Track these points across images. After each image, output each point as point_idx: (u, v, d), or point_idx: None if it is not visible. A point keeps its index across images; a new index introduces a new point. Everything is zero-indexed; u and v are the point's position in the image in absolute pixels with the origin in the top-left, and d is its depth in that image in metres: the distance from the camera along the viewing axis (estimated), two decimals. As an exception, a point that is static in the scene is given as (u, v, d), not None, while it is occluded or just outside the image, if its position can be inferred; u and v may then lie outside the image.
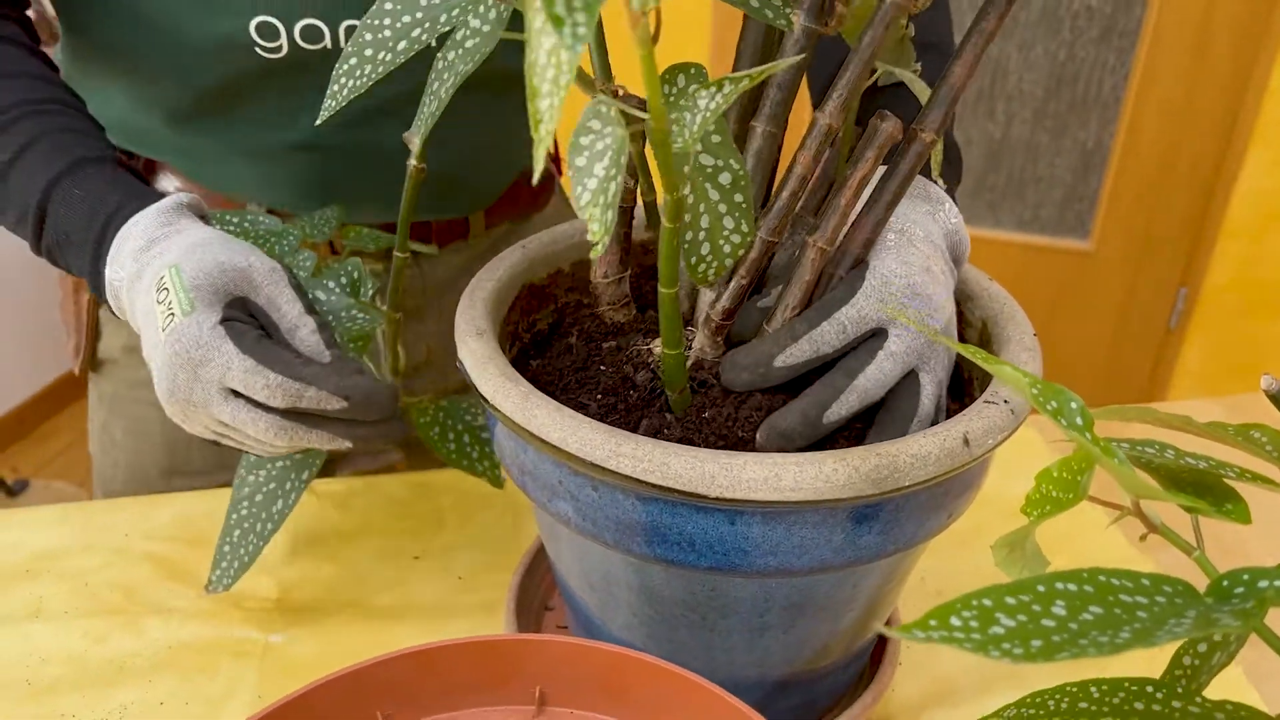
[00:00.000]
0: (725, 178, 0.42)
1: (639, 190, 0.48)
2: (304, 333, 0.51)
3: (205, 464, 0.78)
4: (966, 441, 0.41)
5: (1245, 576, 0.31)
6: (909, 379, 0.45)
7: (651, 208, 0.49)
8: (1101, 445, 0.32)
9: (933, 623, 0.26)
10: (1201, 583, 0.31)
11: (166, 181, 0.71)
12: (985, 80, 1.84)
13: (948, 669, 0.59)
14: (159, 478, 0.79)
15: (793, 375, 0.45)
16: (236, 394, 0.48)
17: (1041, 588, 0.29)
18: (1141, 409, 0.40)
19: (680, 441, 0.42)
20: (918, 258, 0.45)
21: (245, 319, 0.50)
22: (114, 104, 0.68)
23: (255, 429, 0.48)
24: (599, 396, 0.47)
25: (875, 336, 0.44)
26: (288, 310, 0.51)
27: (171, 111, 0.67)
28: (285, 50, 0.63)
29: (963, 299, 0.54)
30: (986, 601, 0.28)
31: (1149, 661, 0.59)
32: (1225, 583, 0.31)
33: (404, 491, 0.72)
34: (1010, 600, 0.28)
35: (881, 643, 0.57)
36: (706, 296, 0.48)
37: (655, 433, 0.45)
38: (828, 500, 0.40)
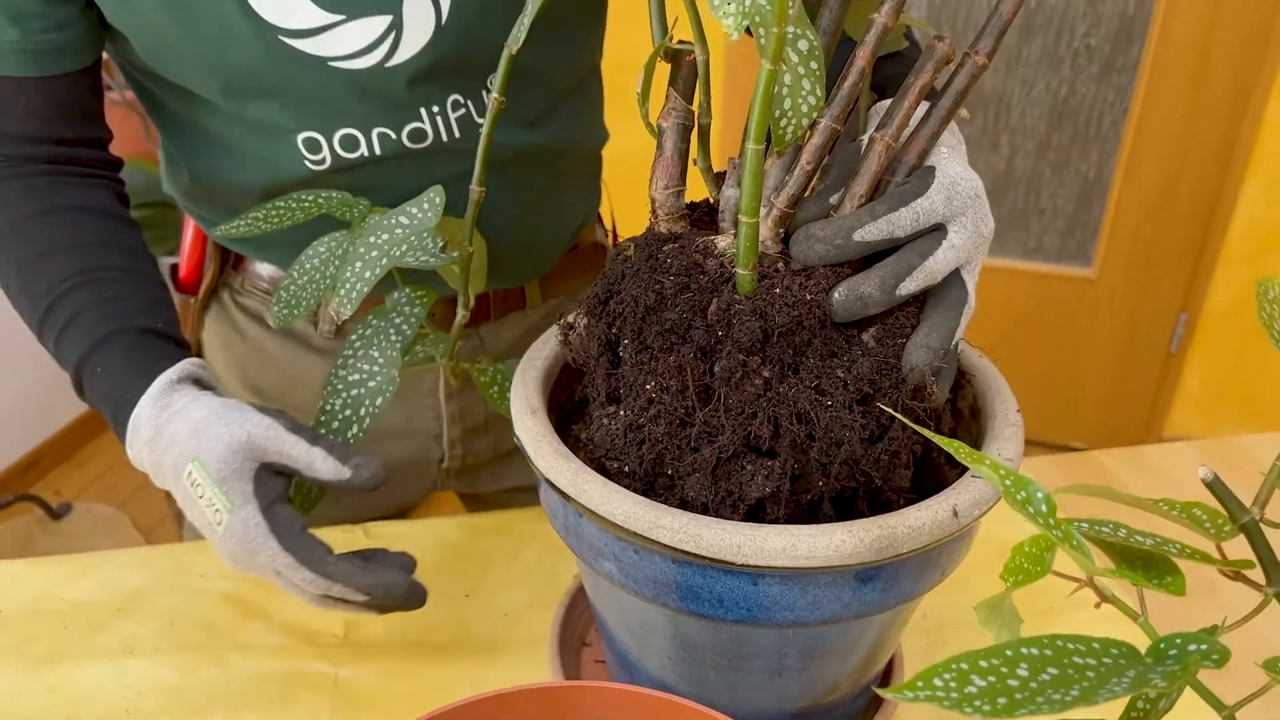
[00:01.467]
0: (803, 45, 0.46)
1: (698, 113, 0.52)
2: (319, 464, 0.58)
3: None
4: (955, 514, 0.48)
5: (1178, 640, 0.38)
6: (955, 274, 0.50)
7: (705, 132, 0.53)
8: (1063, 530, 0.39)
9: (919, 684, 0.33)
10: (1145, 644, 0.38)
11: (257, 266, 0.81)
12: (990, 115, 1.91)
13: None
14: None
15: (866, 252, 0.48)
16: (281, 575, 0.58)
17: (1009, 652, 0.36)
18: (1103, 489, 0.46)
19: (752, 314, 0.46)
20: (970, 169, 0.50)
21: (278, 486, 0.58)
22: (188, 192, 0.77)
23: (303, 598, 0.59)
24: (670, 278, 0.49)
25: (937, 230, 0.48)
26: (299, 455, 0.58)
27: (234, 211, 0.74)
28: (328, 161, 0.70)
29: (959, 373, 0.61)
30: (964, 665, 0.35)
31: (1110, 708, 0.66)
32: (1162, 645, 0.38)
33: (455, 534, 0.79)
34: (983, 664, 0.35)
35: (887, 675, 0.64)
36: (770, 185, 0.51)
37: (726, 308, 0.47)
38: (836, 566, 0.47)
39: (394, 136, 0.70)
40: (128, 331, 0.63)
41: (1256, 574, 0.41)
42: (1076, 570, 0.43)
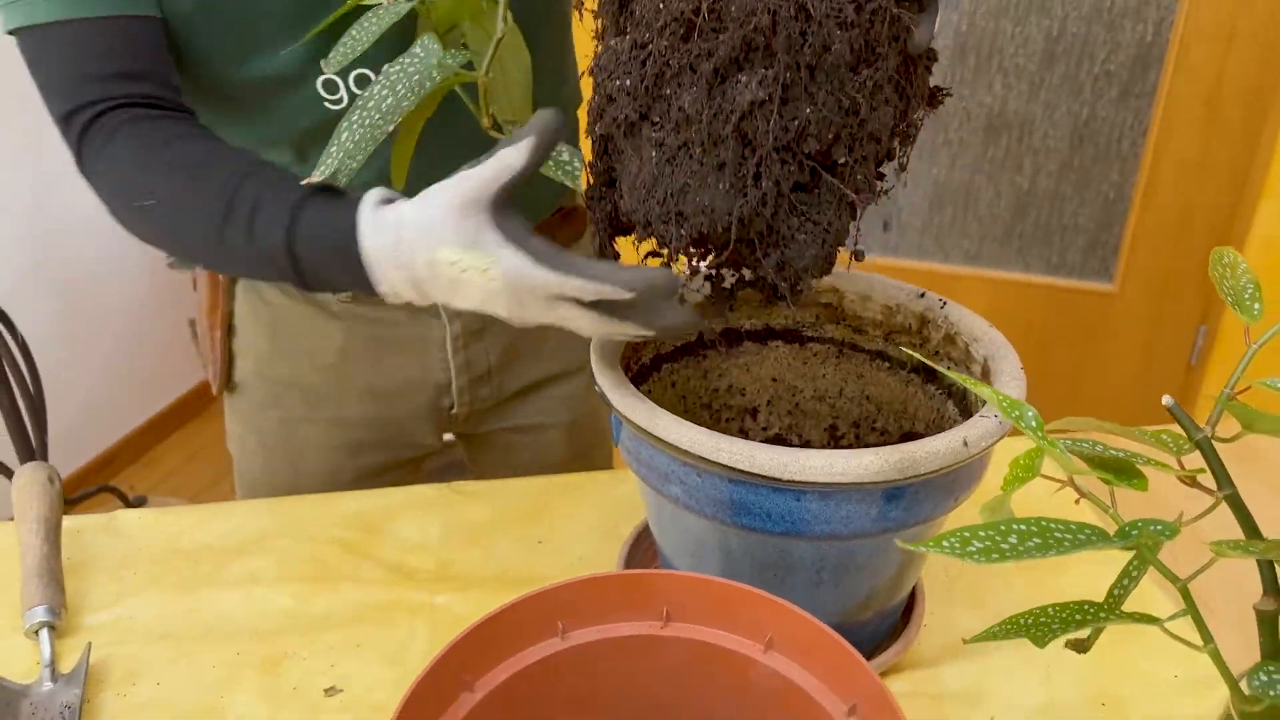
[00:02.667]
0: None
1: None
2: (514, 161, 0.56)
3: (321, 468, 0.98)
4: (966, 444, 0.58)
5: (1140, 523, 0.47)
6: None
7: None
8: (1048, 440, 0.49)
9: (930, 543, 0.43)
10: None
11: None
12: (1013, 137, 2.00)
13: (961, 630, 0.75)
14: (285, 484, 0.98)
15: None
16: (559, 299, 0.58)
17: (1002, 526, 0.46)
18: (1087, 420, 0.56)
19: None
20: None
21: (517, 221, 0.57)
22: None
23: (579, 323, 0.58)
24: None
25: None
26: (498, 169, 0.56)
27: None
28: (345, 100, 0.78)
29: (970, 340, 0.71)
30: (965, 533, 0.45)
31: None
32: (1127, 527, 0.47)
33: (529, 492, 0.90)
34: (981, 533, 0.45)
35: (909, 607, 0.74)
36: None
37: None
38: (866, 483, 0.57)
39: None
40: (311, 196, 0.63)
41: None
42: (1061, 476, 0.53)
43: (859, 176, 0.57)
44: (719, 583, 0.54)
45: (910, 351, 0.58)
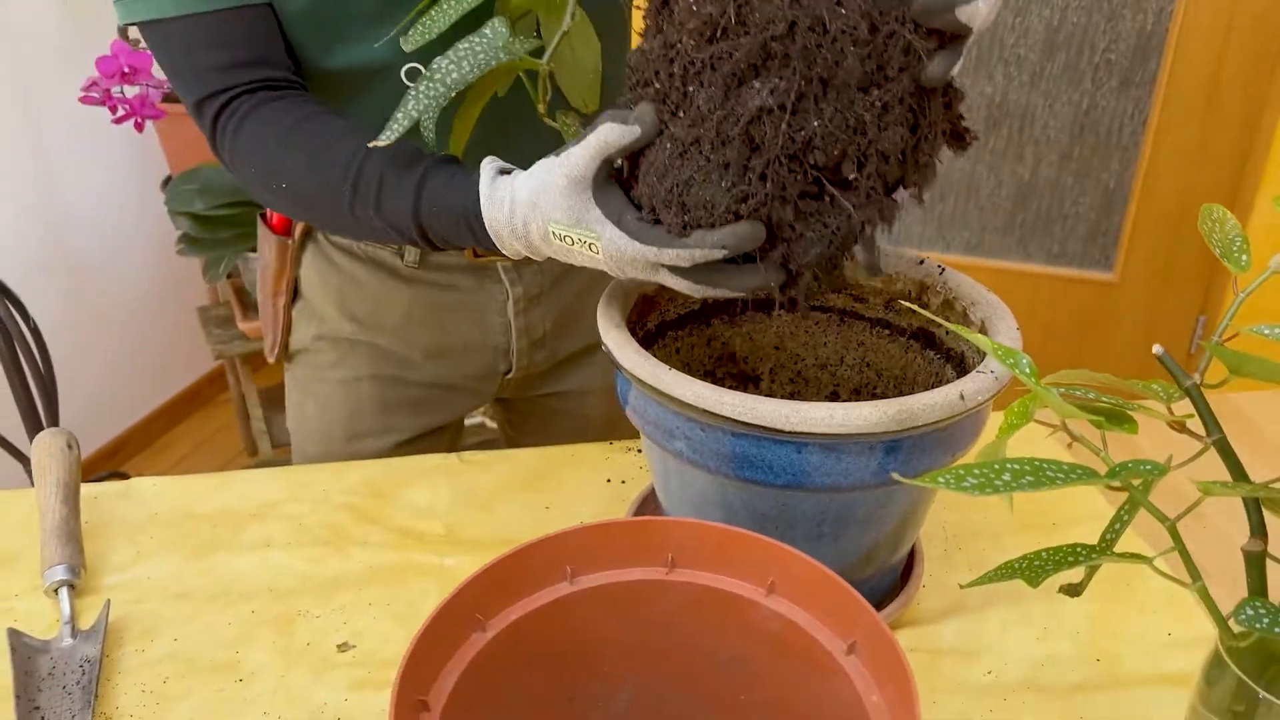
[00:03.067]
0: None
1: None
2: (615, 139, 0.60)
3: (377, 427, 1.00)
4: (962, 397, 0.60)
5: (1130, 464, 0.49)
6: None
7: None
8: (1042, 386, 0.50)
9: (940, 478, 0.45)
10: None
11: None
12: (1014, 127, 2.02)
13: (959, 592, 0.77)
14: (342, 441, 1.01)
15: None
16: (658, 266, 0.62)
17: (997, 465, 0.47)
18: (1080, 372, 0.58)
19: None
20: None
21: (618, 195, 0.62)
22: None
23: (679, 287, 0.63)
24: None
25: None
26: (600, 146, 0.60)
27: None
28: None
29: (968, 304, 0.73)
30: (960, 470, 0.46)
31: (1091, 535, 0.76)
32: (1116, 468, 0.49)
33: (534, 460, 0.92)
34: (976, 470, 0.47)
35: (909, 565, 0.75)
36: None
37: None
38: (866, 434, 0.58)
39: None
40: (431, 171, 0.69)
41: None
42: (1055, 421, 0.54)
43: (867, 195, 0.59)
44: (722, 529, 0.56)
45: (910, 305, 0.60)
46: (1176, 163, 1.98)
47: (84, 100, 1.53)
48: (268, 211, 0.99)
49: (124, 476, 2.01)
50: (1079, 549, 0.53)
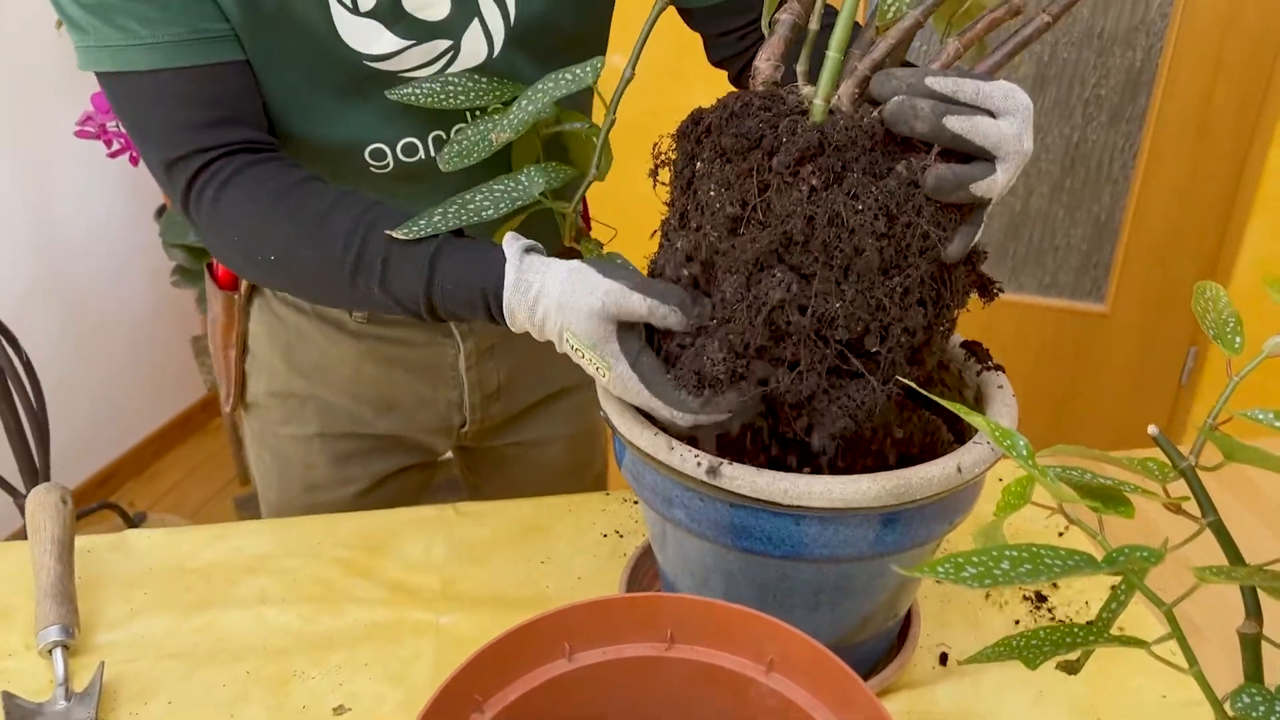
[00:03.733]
0: None
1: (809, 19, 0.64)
2: (662, 314, 0.62)
3: (335, 479, 1.00)
4: (960, 470, 0.60)
5: (1127, 550, 0.49)
6: (990, 160, 0.57)
7: (811, 37, 0.64)
8: (1039, 469, 0.51)
9: (925, 568, 0.45)
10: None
11: None
12: (1006, 159, 2.03)
13: (954, 652, 0.77)
14: (300, 492, 1.00)
15: (931, 95, 0.56)
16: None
17: (995, 553, 0.48)
18: (1076, 448, 0.58)
19: (814, 129, 0.56)
20: None
21: (638, 338, 0.64)
22: None
23: (665, 417, 0.64)
24: (756, 99, 0.59)
25: (988, 113, 0.56)
26: (641, 312, 0.62)
27: None
28: (391, 166, 0.82)
29: (962, 366, 0.73)
30: (959, 559, 0.47)
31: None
32: (1114, 554, 0.49)
33: (530, 512, 0.92)
34: (974, 559, 0.47)
35: (905, 628, 0.75)
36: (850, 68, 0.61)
37: (792, 130, 0.56)
38: (864, 508, 0.59)
39: (445, 137, 0.82)
40: (443, 246, 0.68)
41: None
42: (1051, 503, 0.55)
43: (890, 364, 0.60)
44: (722, 605, 0.56)
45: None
46: (1167, 196, 2.00)
47: (79, 134, 1.53)
48: (214, 263, 0.97)
49: (115, 507, 2.00)
50: (1076, 630, 0.53)
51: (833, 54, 0.58)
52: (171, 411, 2.50)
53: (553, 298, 0.64)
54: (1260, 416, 0.52)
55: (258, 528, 0.90)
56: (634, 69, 0.71)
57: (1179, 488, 0.54)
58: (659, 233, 0.67)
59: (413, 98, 0.75)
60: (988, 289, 0.65)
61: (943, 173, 0.56)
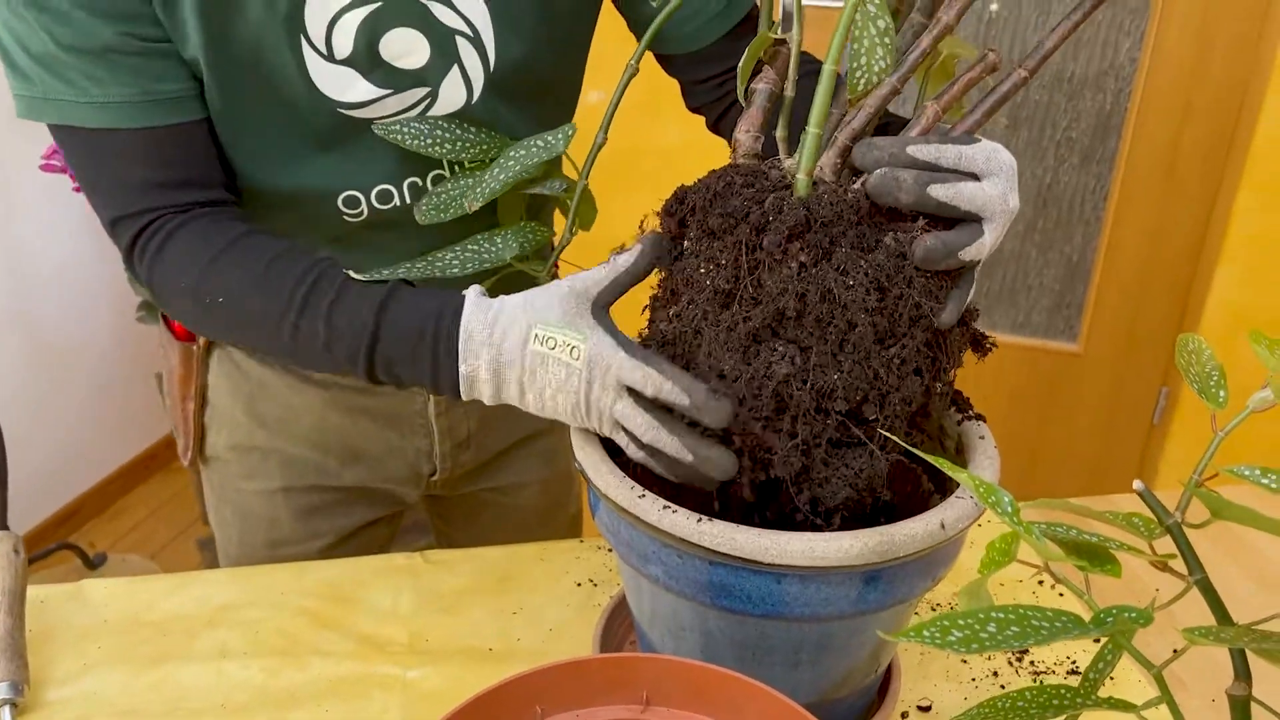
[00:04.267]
0: (880, 24, 0.58)
1: (785, 86, 0.64)
2: (610, 274, 0.62)
3: (299, 534, 0.97)
4: (943, 526, 0.59)
5: (1115, 610, 0.48)
6: (977, 221, 0.56)
7: (787, 105, 0.64)
8: (1024, 526, 0.50)
9: (911, 633, 0.44)
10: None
11: None
12: (979, 200, 2.05)
13: (937, 707, 0.75)
14: (263, 547, 0.97)
15: (913, 165, 0.55)
16: (628, 393, 0.60)
17: (981, 615, 0.46)
18: (1060, 502, 0.57)
19: (800, 205, 0.56)
20: None
21: (608, 317, 0.62)
22: None
23: (634, 422, 0.60)
24: (739, 176, 0.60)
25: (972, 177, 0.56)
26: (608, 282, 0.62)
27: None
28: (365, 215, 0.80)
29: (945, 417, 0.72)
30: (945, 623, 0.45)
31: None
32: (1102, 614, 0.48)
33: (502, 560, 0.89)
34: (961, 622, 0.46)
35: (886, 682, 0.74)
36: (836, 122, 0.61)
37: (779, 208, 0.56)
38: (845, 566, 0.57)
39: (421, 184, 0.81)
40: (402, 285, 0.67)
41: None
42: (1036, 561, 0.53)
43: (890, 431, 0.60)
44: (699, 666, 0.54)
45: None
46: (1138, 237, 2.02)
47: (45, 169, 1.51)
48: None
49: (74, 548, 1.95)
50: (1063, 693, 0.52)
51: (813, 129, 0.58)
52: (135, 449, 2.45)
53: (516, 302, 0.62)
54: (1246, 473, 0.51)
55: (220, 577, 0.87)
56: (606, 134, 0.72)
57: (1166, 542, 0.53)
58: (648, 308, 0.66)
59: (398, 137, 0.74)
60: (981, 344, 0.65)
61: (931, 244, 0.56)
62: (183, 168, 0.72)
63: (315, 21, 0.71)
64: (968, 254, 0.56)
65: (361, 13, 0.72)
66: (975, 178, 0.56)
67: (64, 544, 1.92)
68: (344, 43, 0.72)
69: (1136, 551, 0.52)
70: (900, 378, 0.58)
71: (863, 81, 0.59)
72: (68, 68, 0.67)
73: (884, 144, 0.57)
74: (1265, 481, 0.51)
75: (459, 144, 0.76)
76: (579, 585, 0.86)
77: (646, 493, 0.60)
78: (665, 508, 0.59)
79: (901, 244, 0.57)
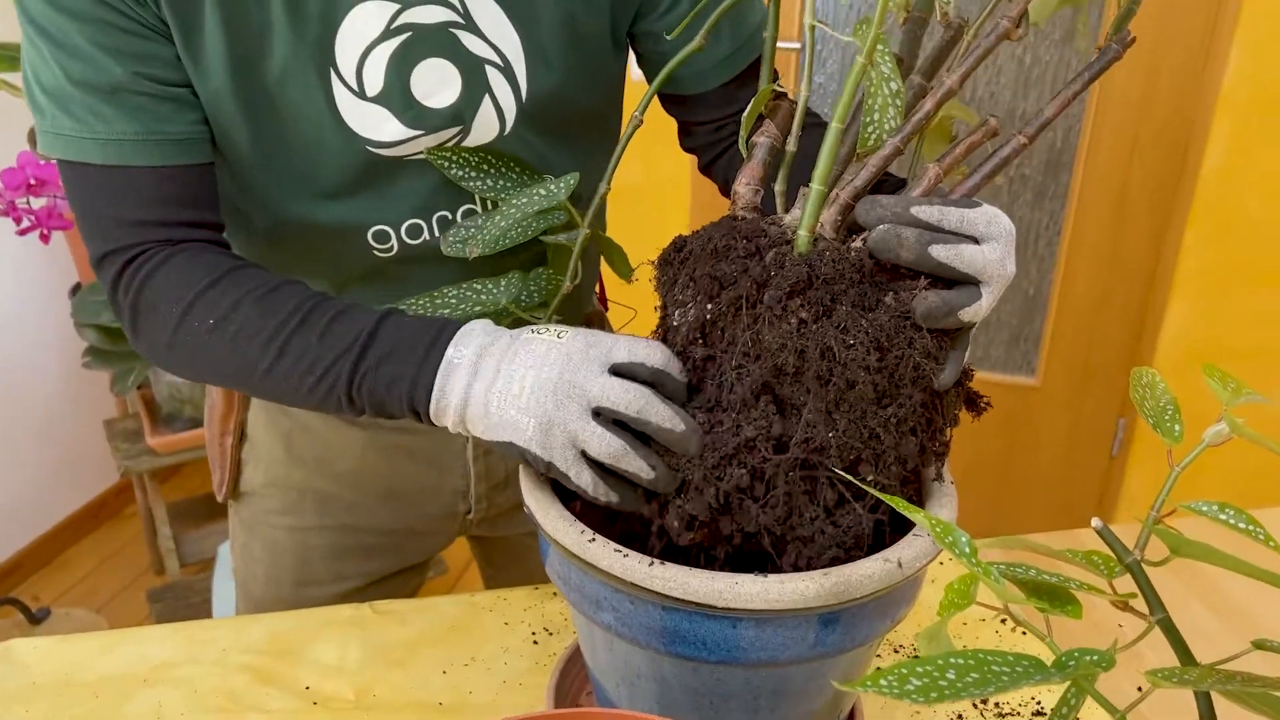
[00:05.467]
0: (893, 85, 0.57)
1: (785, 142, 0.64)
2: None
3: (328, 575, 0.94)
4: (900, 565, 0.57)
5: (1076, 654, 0.47)
6: (975, 284, 0.57)
7: (788, 159, 0.64)
8: (982, 567, 0.48)
9: (868, 683, 0.42)
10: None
11: None
12: (935, 236, 2.06)
13: (903, 750, 0.73)
14: (290, 586, 0.95)
15: (916, 224, 0.56)
16: (595, 416, 0.58)
17: (940, 661, 0.45)
18: (1019, 539, 0.56)
19: (801, 262, 0.56)
20: None
21: None
22: None
23: (599, 444, 0.58)
24: (740, 227, 0.59)
25: (972, 240, 0.56)
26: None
27: None
28: (395, 250, 0.79)
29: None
30: (903, 670, 0.44)
31: None
32: (1064, 658, 0.47)
33: (454, 610, 0.86)
34: (919, 669, 0.44)
35: (849, 726, 0.72)
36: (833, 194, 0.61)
37: (780, 263, 0.56)
38: (802, 609, 0.55)
39: (451, 218, 0.79)
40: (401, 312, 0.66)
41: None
42: (996, 603, 0.52)
43: (883, 488, 0.59)
44: (644, 718, 0.52)
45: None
46: (1092, 271, 2.04)
47: (-9, 212, 1.47)
48: None
49: (15, 602, 1.88)
50: (1027, 738, 0.50)
51: (816, 185, 0.58)
52: (83, 498, 2.38)
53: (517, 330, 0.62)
54: (1205, 509, 0.50)
55: (158, 633, 0.84)
56: (610, 183, 0.72)
57: (1127, 579, 0.52)
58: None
59: (444, 164, 0.74)
60: (975, 403, 0.65)
61: (933, 301, 0.56)
62: (183, 208, 0.70)
63: (346, 56, 0.70)
64: (967, 314, 0.57)
65: (392, 45, 0.71)
66: (976, 241, 0.57)
67: (5, 599, 1.85)
68: (375, 79, 0.71)
69: (1098, 591, 0.50)
70: (898, 437, 0.58)
71: (873, 137, 0.59)
72: (73, 102, 0.66)
73: (888, 202, 0.57)
74: (1223, 517, 0.50)
75: (505, 180, 0.76)
76: (533, 634, 0.84)
77: (597, 536, 0.58)
78: (616, 551, 0.57)
79: (903, 303, 0.57)
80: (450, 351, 0.62)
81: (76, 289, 1.84)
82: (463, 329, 0.63)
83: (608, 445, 0.58)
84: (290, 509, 0.94)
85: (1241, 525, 0.50)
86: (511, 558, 1.06)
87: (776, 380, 0.57)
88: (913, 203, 0.57)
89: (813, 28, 0.60)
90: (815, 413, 0.56)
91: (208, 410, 0.97)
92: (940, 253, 0.56)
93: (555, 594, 0.89)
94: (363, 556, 0.96)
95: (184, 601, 1.99)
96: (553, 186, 0.72)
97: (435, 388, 0.62)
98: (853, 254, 0.58)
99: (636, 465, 0.58)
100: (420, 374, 0.62)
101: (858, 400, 0.56)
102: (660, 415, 0.58)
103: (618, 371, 0.59)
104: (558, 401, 0.58)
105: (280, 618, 0.85)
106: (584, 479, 0.59)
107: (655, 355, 0.59)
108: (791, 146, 0.64)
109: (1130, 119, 1.93)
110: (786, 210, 0.64)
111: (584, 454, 0.59)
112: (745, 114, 0.66)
